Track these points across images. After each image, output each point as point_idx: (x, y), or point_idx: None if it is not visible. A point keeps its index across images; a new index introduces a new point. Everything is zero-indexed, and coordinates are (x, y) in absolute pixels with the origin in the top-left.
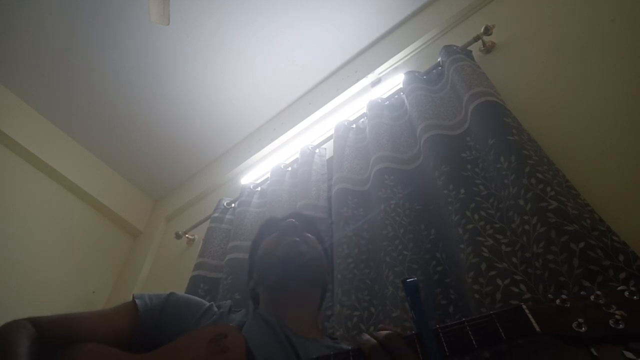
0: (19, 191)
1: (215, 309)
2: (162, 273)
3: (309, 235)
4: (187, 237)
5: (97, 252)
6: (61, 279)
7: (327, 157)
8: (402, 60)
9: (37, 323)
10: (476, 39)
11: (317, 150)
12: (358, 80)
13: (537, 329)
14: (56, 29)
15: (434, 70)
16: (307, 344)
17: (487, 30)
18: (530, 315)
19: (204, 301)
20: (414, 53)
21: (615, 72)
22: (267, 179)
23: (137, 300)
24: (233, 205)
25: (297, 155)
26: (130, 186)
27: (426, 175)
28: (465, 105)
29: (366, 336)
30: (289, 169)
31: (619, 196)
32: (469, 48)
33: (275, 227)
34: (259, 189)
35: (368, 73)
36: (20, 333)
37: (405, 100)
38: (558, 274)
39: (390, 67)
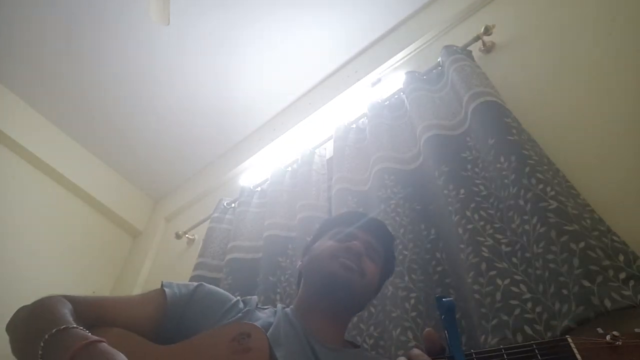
0: (19, 191)
1: (242, 306)
2: (162, 273)
3: (370, 263)
4: (187, 237)
5: (97, 252)
6: (61, 279)
7: (327, 157)
8: (402, 60)
9: (71, 300)
10: (476, 39)
11: (317, 151)
12: (358, 80)
13: None
14: (56, 29)
15: (434, 70)
16: (330, 354)
17: (487, 30)
18: (575, 350)
19: (231, 296)
20: (414, 53)
21: (615, 72)
22: (267, 179)
23: (165, 289)
24: (233, 205)
25: (297, 156)
26: (130, 186)
27: (426, 175)
28: (465, 105)
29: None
30: (289, 169)
31: (619, 196)
32: (469, 48)
33: (349, 222)
34: (259, 189)
35: (368, 73)
36: (61, 304)
37: (406, 100)
38: (558, 274)
39: (390, 67)
